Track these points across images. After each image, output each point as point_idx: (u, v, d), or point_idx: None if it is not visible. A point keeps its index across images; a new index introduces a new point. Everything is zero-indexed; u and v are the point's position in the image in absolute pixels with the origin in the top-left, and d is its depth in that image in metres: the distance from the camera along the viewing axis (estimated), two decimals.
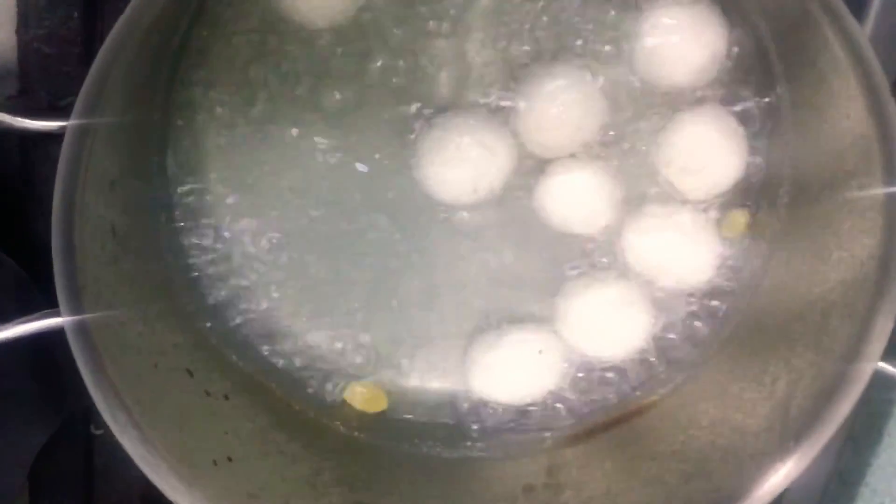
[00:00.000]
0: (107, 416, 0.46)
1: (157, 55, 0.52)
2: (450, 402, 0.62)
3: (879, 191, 0.45)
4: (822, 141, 0.52)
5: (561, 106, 0.55)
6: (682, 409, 0.59)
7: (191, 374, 0.55)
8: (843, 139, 0.49)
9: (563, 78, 0.55)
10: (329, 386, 0.61)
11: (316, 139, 0.57)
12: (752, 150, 0.57)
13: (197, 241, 0.59)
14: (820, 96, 0.50)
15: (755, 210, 0.59)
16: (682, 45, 0.54)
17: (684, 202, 0.58)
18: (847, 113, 0.48)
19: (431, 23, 0.56)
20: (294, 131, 0.57)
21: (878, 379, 0.47)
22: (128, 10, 0.41)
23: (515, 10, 0.56)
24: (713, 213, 0.59)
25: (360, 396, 0.61)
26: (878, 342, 0.47)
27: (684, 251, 0.58)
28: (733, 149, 0.56)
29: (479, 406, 0.61)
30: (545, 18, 0.56)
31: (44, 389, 0.58)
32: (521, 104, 0.56)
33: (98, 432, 0.63)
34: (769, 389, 0.53)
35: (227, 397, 0.56)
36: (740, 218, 0.59)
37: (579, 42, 0.56)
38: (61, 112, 0.54)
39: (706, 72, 0.55)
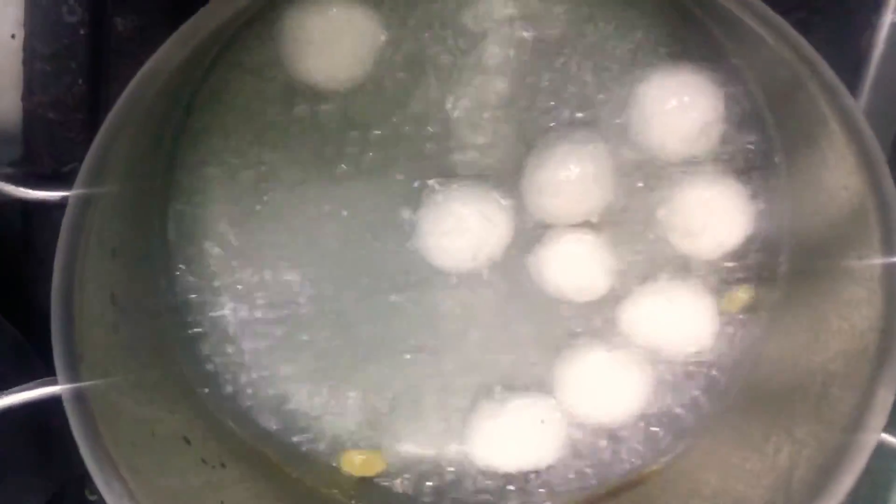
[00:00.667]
0: (102, 486, 0.46)
1: (160, 124, 0.53)
2: (449, 470, 0.61)
3: (878, 261, 0.46)
4: (820, 210, 0.53)
5: (568, 174, 0.55)
6: (683, 478, 0.59)
7: (188, 441, 0.54)
8: (841, 209, 0.49)
9: (570, 147, 0.56)
10: (325, 452, 0.61)
11: (317, 207, 0.58)
12: (752, 216, 0.57)
13: (196, 307, 0.59)
14: (817, 167, 0.51)
15: (754, 283, 0.59)
16: (679, 114, 0.55)
17: (684, 272, 0.59)
18: (844, 184, 0.48)
19: (438, 93, 0.57)
20: (295, 200, 0.58)
21: (881, 450, 0.47)
22: (133, 83, 0.41)
23: (522, 84, 0.57)
24: (712, 283, 0.59)
25: (357, 461, 0.61)
26: (881, 413, 0.46)
27: (684, 320, 0.58)
28: (735, 209, 0.57)
29: (480, 474, 0.61)
30: (549, 91, 0.57)
31: (40, 456, 0.58)
32: (527, 174, 0.57)
33: (92, 497, 0.62)
34: (771, 460, 0.52)
35: (223, 465, 0.56)
36: (741, 294, 0.59)
37: (581, 114, 0.57)
38: (65, 178, 0.55)
39: (703, 141, 0.56)
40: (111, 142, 0.42)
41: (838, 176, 0.48)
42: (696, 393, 0.60)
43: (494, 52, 0.56)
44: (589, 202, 0.57)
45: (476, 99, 0.57)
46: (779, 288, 0.58)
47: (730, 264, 0.58)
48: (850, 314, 0.49)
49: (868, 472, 0.47)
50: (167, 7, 0.56)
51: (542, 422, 0.59)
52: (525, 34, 0.56)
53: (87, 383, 0.45)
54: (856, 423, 0.47)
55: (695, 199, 0.57)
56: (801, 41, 0.44)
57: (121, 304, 0.50)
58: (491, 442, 0.59)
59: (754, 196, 0.57)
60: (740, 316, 0.59)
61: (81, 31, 0.55)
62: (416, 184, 0.57)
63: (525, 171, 0.57)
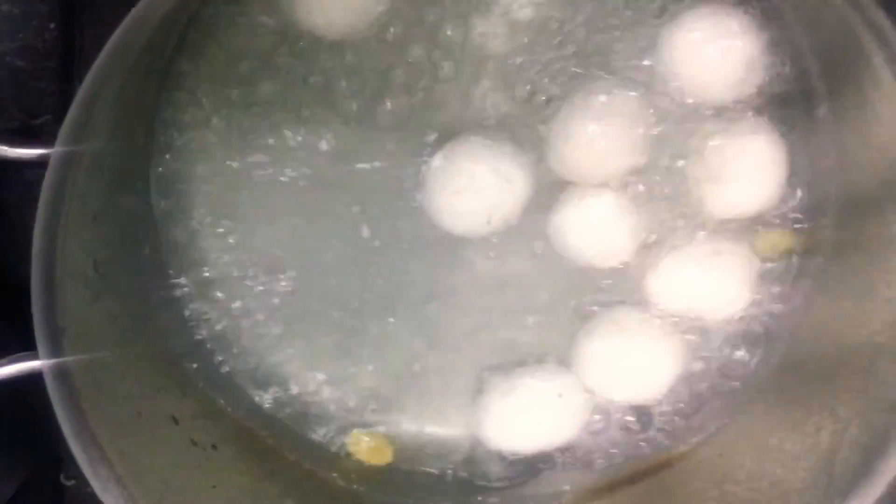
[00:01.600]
0: (87, 469, 0.47)
1: (143, 78, 0.54)
2: (460, 453, 0.62)
3: None
4: (870, 168, 0.53)
5: (590, 131, 0.56)
6: (716, 461, 0.60)
7: (176, 421, 0.55)
8: (892, 168, 0.50)
9: (601, 95, 0.56)
10: (327, 434, 0.62)
11: (313, 164, 0.58)
12: (793, 172, 0.58)
13: (182, 275, 0.60)
14: (866, 120, 0.51)
15: (797, 234, 0.59)
16: (717, 57, 0.56)
17: (718, 232, 0.59)
18: (894, 133, 0.49)
19: (452, 38, 0.57)
20: (289, 157, 0.58)
21: None
22: (120, 29, 0.42)
23: (543, 26, 0.57)
24: (749, 241, 0.60)
25: (365, 447, 0.62)
26: None
27: (717, 287, 0.59)
28: (774, 162, 0.57)
29: (493, 457, 0.62)
30: (572, 36, 0.57)
31: (14, 437, 0.59)
32: (546, 131, 0.57)
33: (69, 483, 0.63)
34: (812, 441, 0.53)
35: (214, 447, 0.57)
36: (778, 238, 0.60)
37: (610, 59, 0.57)
38: (35, 132, 0.56)
39: (742, 86, 0.57)
40: (97, 93, 0.43)
41: (890, 131, 0.49)
42: (731, 368, 0.61)
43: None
44: (616, 158, 0.58)
45: (490, 45, 0.57)
46: (822, 252, 0.58)
47: (767, 217, 0.59)
48: None
49: None
50: None
51: (560, 396, 0.60)
52: None
53: (71, 358, 0.46)
54: None
55: (731, 151, 0.57)
56: None
57: (103, 272, 0.51)
58: (503, 422, 0.60)
59: (796, 150, 0.58)
60: (779, 269, 0.60)
61: None
62: (423, 138, 0.58)
63: (545, 123, 0.57)
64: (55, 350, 0.46)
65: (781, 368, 0.60)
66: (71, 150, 0.43)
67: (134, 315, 0.56)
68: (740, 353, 0.61)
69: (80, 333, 0.47)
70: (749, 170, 0.57)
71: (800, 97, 0.58)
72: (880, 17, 0.45)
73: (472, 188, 0.56)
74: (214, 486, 0.55)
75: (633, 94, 0.57)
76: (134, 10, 0.42)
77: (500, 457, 0.62)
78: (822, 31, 0.54)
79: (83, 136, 0.44)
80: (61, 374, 0.46)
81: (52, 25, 0.56)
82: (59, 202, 0.44)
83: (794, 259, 0.60)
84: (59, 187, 0.44)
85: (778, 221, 0.59)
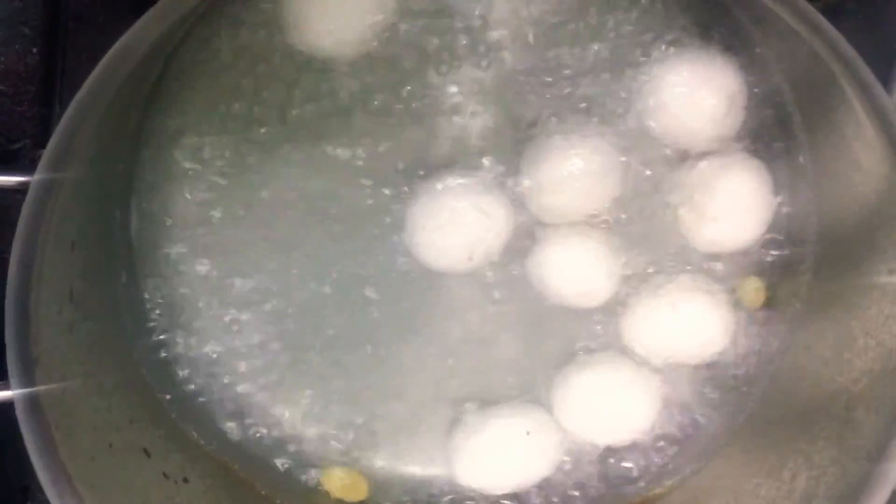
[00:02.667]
0: (55, 502, 0.46)
1: (127, 105, 0.54)
2: (435, 490, 0.62)
3: None
4: (849, 216, 0.54)
5: (572, 168, 0.56)
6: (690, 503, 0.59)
7: (147, 454, 0.55)
8: (871, 217, 0.50)
9: (576, 137, 0.57)
10: (301, 469, 0.61)
11: (296, 198, 0.58)
12: (772, 218, 0.59)
13: (158, 304, 0.59)
14: (847, 168, 0.52)
15: (774, 282, 0.60)
16: (696, 101, 0.56)
17: (696, 274, 0.59)
18: (876, 189, 0.49)
19: (434, 76, 0.58)
20: (271, 190, 0.58)
21: None
22: (106, 58, 0.42)
23: (528, 66, 0.58)
24: (727, 285, 0.60)
25: (339, 483, 0.61)
26: None
27: (694, 330, 0.59)
28: (753, 204, 0.58)
29: (467, 495, 0.62)
30: (550, 79, 0.58)
31: None
32: (528, 167, 0.58)
33: None
34: (788, 487, 0.53)
35: (186, 480, 0.57)
36: (756, 285, 0.60)
37: (592, 100, 0.58)
38: (13, 157, 0.55)
39: (723, 131, 0.57)
40: (80, 122, 0.43)
41: (870, 179, 0.49)
42: (707, 410, 0.61)
43: (497, 33, 0.57)
44: (595, 197, 0.58)
45: (475, 83, 0.58)
46: (800, 298, 0.59)
47: (746, 259, 0.60)
48: (878, 331, 0.50)
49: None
50: None
51: (528, 434, 0.59)
52: (533, 15, 0.57)
53: (42, 387, 0.45)
54: (881, 451, 0.48)
55: (710, 191, 0.57)
56: (835, 34, 0.45)
57: (79, 301, 0.50)
58: (474, 460, 0.60)
59: (776, 195, 0.58)
60: (757, 320, 0.60)
61: None
62: (405, 173, 0.58)
63: (526, 162, 0.58)
64: (27, 380, 0.45)
65: (758, 413, 0.60)
66: (51, 177, 0.43)
67: (108, 345, 0.55)
68: (716, 397, 0.61)
69: (53, 363, 0.47)
70: (729, 210, 0.58)
71: (781, 143, 0.58)
72: (864, 71, 0.45)
73: (453, 224, 0.56)
74: None
75: (613, 135, 0.58)
76: (121, 39, 0.42)
77: (474, 495, 0.61)
78: (803, 76, 0.55)
79: (64, 164, 0.44)
80: (32, 404, 0.45)
81: (34, 50, 0.56)
82: (37, 230, 0.44)
83: (769, 308, 0.60)
84: (38, 215, 0.44)
85: (754, 269, 0.60)
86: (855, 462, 0.49)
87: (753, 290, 0.60)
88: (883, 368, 0.50)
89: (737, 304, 0.60)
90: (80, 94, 0.42)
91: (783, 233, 0.59)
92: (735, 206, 0.58)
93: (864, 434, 0.49)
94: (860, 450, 0.49)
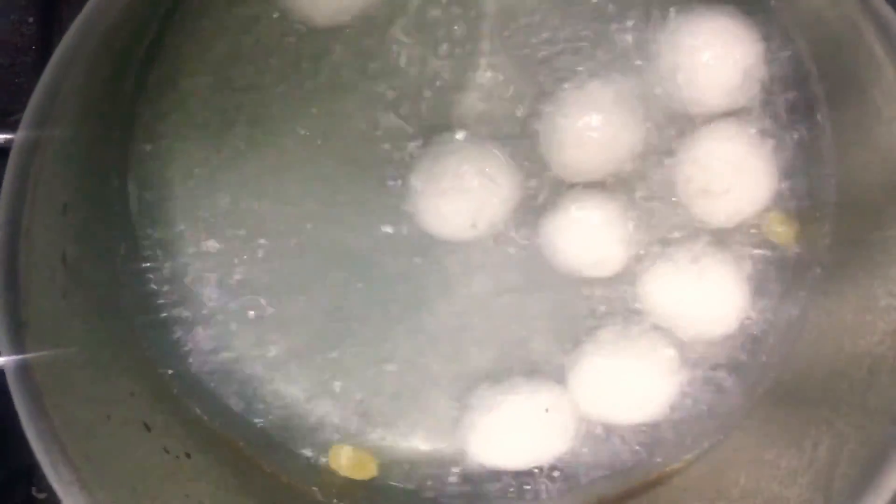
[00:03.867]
0: (50, 472, 0.45)
1: (120, 62, 0.52)
2: (446, 468, 0.61)
3: None
4: (871, 171, 0.52)
5: (589, 119, 0.55)
6: (709, 478, 0.58)
7: (148, 428, 0.54)
8: (893, 171, 0.49)
9: (591, 90, 0.55)
10: (307, 446, 0.60)
11: (299, 166, 0.57)
12: (789, 179, 0.57)
13: (160, 277, 0.58)
14: (867, 121, 0.50)
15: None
16: (713, 62, 0.55)
17: (715, 240, 0.58)
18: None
19: (439, 31, 0.56)
20: (272, 152, 0.57)
21: None
22: (85, 10, 0.41)
23: (536, 24, 0.57)
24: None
25: (346, 461, 0.60)
26: None
27: (712, 299, 0.58)
28: (763, 172, 0.56)
29: (479, 473, 0.60)
30: (566, 31, 0.57)
31: None
32: (538, 121, 0.56)
33: (41, 496, 0.62)
34: (809, 456, 0.52)
35: (188, 455, 0.56)
36: (791, 224, 0.58)
37: (603, 60, 0.57)
38: (12, 127, 0.55)
39: (740, 93, 0.56)
40: (62, 77, 0.42)
41: (892, 131, 0.48)
42: (726, 381, 0.60)
43: None
44: (611, 155, 0.56)
45: (481, 38, 0.56)
46: (819, 257, 0.57)
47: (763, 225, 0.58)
48: None
49: None
50: None
51: (547, 411, 0.58)
52: None
53: (34, 354, 0.45)
54: None
55: (728, 156, 0.56)
56: None
57: (73, 266, 0.49)
58: (489, 437, 0.59)
59: (794, 155, 0.57)
60: (772, 281, 0.59)
61: None
62: (408, 136, 0.57)
63: (536, 119, 0.56)
64: (17, 345, 0.44)
65: (778, 383, 0.59)
66: (35, 135, 0.42)
67: (106, 315, 0.54)
68: (735, 367, 0.60)
69: (45, 329, 0.46)
70: (746, 176, 0.56)
71: (799, 100, 0.57)
72: (884, 8, 0.43)
73: (457, 189, 0.55)
74: (187, 496, 0.54)
75: (626, 91, 0.56)
76: None
77: (487, 473, 0.60)
78: (821, 30, 0.53)
79: (48, 121, 0.43)
80: (23, 370, 0.45)
81: (30, 20, 0.56)
82: (23, 190, 0.43)
83: (794, 261, 0.58)
84: (23, 173, 0.43)
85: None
86: (880, 426, 0.48)
87: (780, 225, 0.58)
88: None
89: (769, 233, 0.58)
90: (60, 48, 0.42)
91: (803, 194, 0.57)
92: (748, 171, 0.56)
93: (890, 397, 0.48)
94: (884, 414, 0.48)
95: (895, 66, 0.45)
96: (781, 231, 0.58)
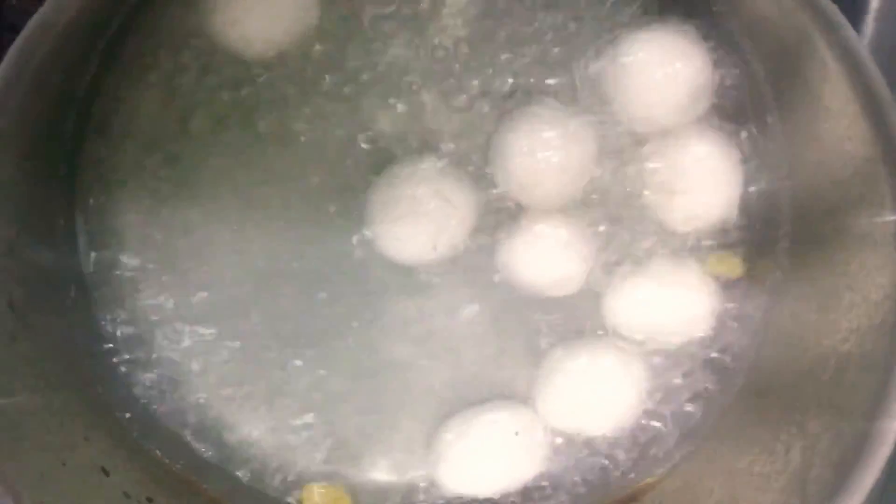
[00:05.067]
0: None
1: (59, 101, 0.51)
2: (420, 499, 0.59)
3: (890, 218, 0.45)
4: (822, 170, 0.52)
5: (541, 152, 0.55)
6: (683, 490, 0.57)
7: (106, 472, 0.52)
8: (845, 166, 0.49)
9: (545, 113, 0.55)
10: (276, 486, 0.59)
11: (251, 195, 0.57)
12: (746, 183, 0.57)
13: (113, 318, 0.57)
14: (815, 118, 0.50)
15: (750, 251, 0.58)
16: (664, 78, 0.55)
17: (672, 250, 0.58)
18: (848, 134, 0.47)
19: (386, 56, 0.56)
20: (226, 189, 0.56)
21: None
22: (18, 40, 0.40)
23: (485, 40, 0.56)
24: (703, 260, 0.58)
25: (319, 499, 0.58)
26: None
27: (673, 310, 0.57)
28: (724, 172, 0.56)
29: (454, 501, 0.59)
30: (517, 54, 0.56)
31: None
32: (494, 150, 0.56)
33: None
34: (783, 460, 0.51)
35: (150, 500, 0.54)
36: (733, 259, 0.58)
37: (556, 79, 0.57)
38: None
39: (691, 102, 0.56)
40: None
41: (840, 125, 0.48)
42: (693, 392, 0.59)
43: (454, 14, 0.56)
44: (565, 182, 0.56)
45: (431, 61, 0.56)
46: (779, 261, 0.57)
47: (721, 232, 0.58)
48: (862, 284, 0.49)
49: (893, 467, 0.46)
50: None
51: (517, 434, 0.57)
52: None
53: None
54: (875, 409, 0.46)
55: (679, 164, 0.56)
56: None
57: (20, 310, 0.48)
58: (460, 465, 0.58)
59: (746, 158, 0.57)
60: (737, 291, 0.58)
61: None
62: (365, 161, 0.56)
63: (490, 146, 0.56)
64: None
65: (745, 389, 0.58)
66: None
67: (57, 359, 0.53)
68: (702, 377, 0.59)
69: None
70: (701, 181, 0.56)
71: (749, 104, 0.57)
72: (827, 5, 0.44)
73: (414, 213, 0.55)
74: None
75: (579, 112, 0.56)
76: (35, 17, 0.40)
77: (462, 501, 0.59)
78: (766, 30, 0.53)
79: None
80: None
81: None
82: None
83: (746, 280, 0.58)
84: None
85: (730, 241, 0.58)
86: (850, 424, 0.47)
87: (727, 263, 0.58)
88: (870, 324, 0.48)
89: (714, 272, 0.58)
90: None
91: (757, 198, 0.57)
92: (703, 176, 0.56)
93: (858, 394, 0.47)
94: (855, 411, 0.47)
95: (837, 59, 0.45)
96: (728, 268, 0.58)
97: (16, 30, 0.55)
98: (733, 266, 0.58)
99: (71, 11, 0.41)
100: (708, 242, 0.58)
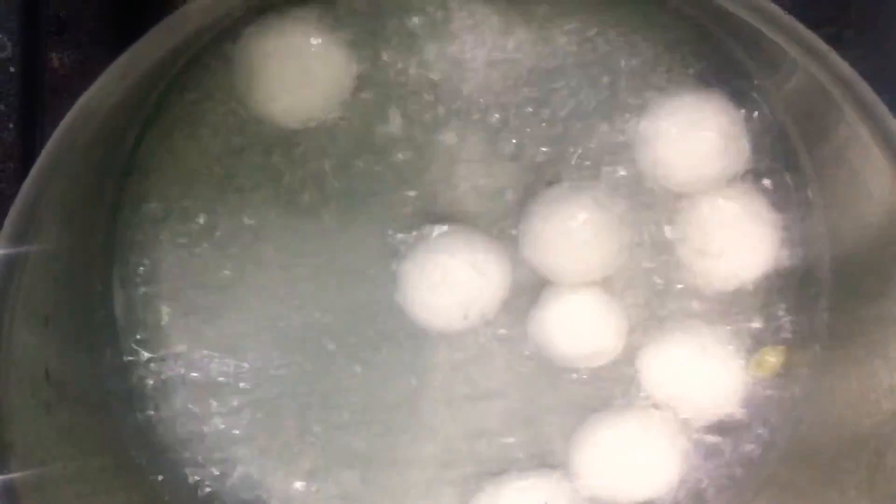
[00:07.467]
0: None
1: (99, 172, 0.52)
2: None
3: None
4: (863, 248, 0.52)
5: (572, 229, 0.55)
6: None
7: None
8: (885, 247, 0.48)
9: (574, 197, 0.56)
10: None
11: (286, 263, 0.57)
12: (785, 257, 0.57)
13: (148, 384, 0.57)
14: (856, 197, 0.50)
15: (789, 339, 0.58)
16: (693, 143, 0.55)
17: (707, 321, 0.58)
18: (887, 216, 0.47)
19: (421, 131, 0.56)
20: (259, 255, 0.57)
21: None
22: (64, 122, 0.40)
23: (518, 116, 0.56)
24: (741, 338, 0.58)
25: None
26: None
27: (710, 378, 0.57)
28: (759, 234, 0.56)
29: None
30: (549, 129, 0.57)
31: None
32: (525, 222, 0.56)
33: None
34: None
35: None
36: (772, 356, 0.58)
37: (586, 151, 0.57)
38: None
39: (726, 170, 0.55)
40: (41, 191, 0.41)
41: (881, 208, 0.47)
42: (728, 466, 0.59)
43: (484, 84, 0.56)
44: (596, 259, 0.56)
45: (464, 136, 0.56)
46: (818, 340, 0.57)
47: (760, 320, 0.58)
48: None
49: None
50: (108, 39, 0.55)
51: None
52: (520, 62, 0.56)
53: (18, 474, 0.43)
54: None
55: (713, 228, 0.56)
56: (835, 57, 0.43)
57: (57, 380, 0.48)
58: None
59: (785, 234, 0.56)
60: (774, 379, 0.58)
61: (11, 69, 0.54)
62: (397, 232, 0.56)
63: (522, 219, 0.56)
64: (1, 467, 0.43)
65: (784, 463, 0.57)
66: (14, 251, 0.41)
67: (92, 425, 0.53)
68: (741, 448, 0.59)
69: (29, 448, 0.45)
70: (735, 247, 0.56)
71: (788, 179, 0.57)
72: (867, 93, 0.43)
73: (447, 283, 0.54)
74: None
75: (613, 185, 0.56)
76: (80, 101, 0.40)
77: None
78: (806, 109, 0.53)
79: (28, 235, 0.42)
80: (9, 492, 0.43)
81: (10, 125, 0.55)
82: (3, 307, 0.42)
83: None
84: (2, 291, 0.42)
85: (771, 333, 0.58)
86: None
87: (768, 360, 0.58)
88: None
89: (753, 372, 0.58)
90: (41, 160, 0.41)
91: (796, 276, 0.57)
92: (738, 240, 0.56)
93: None
94: (892, 498, 0.47)
95: (877, 142, 0.44)
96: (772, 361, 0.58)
97: (57, 92, 0.57)
98: (773, 365, 0.58)
99: (114, 98, 0.41)
100: (744, 308, 0.58)
